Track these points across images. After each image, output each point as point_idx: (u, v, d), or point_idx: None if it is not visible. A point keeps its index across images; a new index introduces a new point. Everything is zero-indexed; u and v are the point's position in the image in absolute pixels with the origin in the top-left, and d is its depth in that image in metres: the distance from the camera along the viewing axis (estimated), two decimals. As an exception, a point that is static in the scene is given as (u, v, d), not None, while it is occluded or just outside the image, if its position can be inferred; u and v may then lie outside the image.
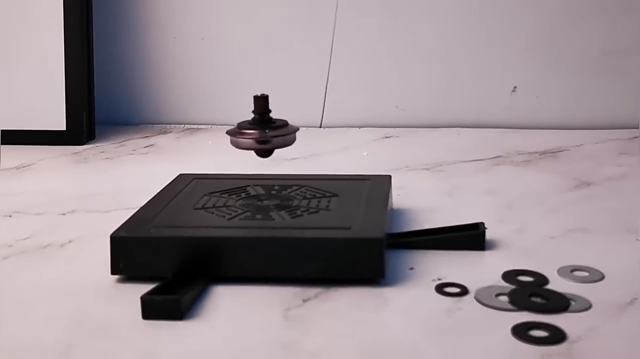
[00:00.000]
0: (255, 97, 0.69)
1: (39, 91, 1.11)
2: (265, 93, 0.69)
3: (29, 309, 0.60)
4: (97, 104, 1.14)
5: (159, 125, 1.23)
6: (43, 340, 0.55)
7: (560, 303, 0.59)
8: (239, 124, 0.70)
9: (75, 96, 1.11)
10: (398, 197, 0.83)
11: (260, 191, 0.75)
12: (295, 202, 0.71)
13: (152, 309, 0.57)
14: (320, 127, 1.22)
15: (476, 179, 0.92)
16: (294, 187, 0.76)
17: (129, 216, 0.69)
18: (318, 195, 0.74)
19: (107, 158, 1.05)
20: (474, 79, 1.19)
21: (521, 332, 0.55)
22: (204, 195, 0.74)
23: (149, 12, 1.22)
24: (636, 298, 0.60)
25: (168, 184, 0.79)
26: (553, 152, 1.04)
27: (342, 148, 1.09)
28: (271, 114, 0.69)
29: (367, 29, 1.20)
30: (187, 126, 1.22)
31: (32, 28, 1.11)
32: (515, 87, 1.18)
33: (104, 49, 1.19)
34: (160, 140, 1.15)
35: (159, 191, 0.76)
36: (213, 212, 0.69)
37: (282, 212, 0.69)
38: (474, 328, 0.56)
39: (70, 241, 0.73)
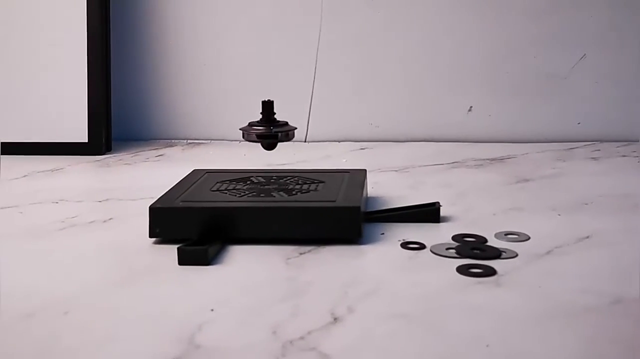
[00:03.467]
0: (263, 102, 0.88)
1: (65, 109, 1.30)
2: (271, 99, 0.88)
3: (86, 261, 0.78)
4: (112, 122, 1.33)
5: (166, 140, 1.41)
6: (102, 279, 0.73)
7: (494, 253, 0.78)
8: (250, 122, 0.89)
9: (96, 113, 1.29)
10: (372, 190, 1.02)
11: (262, 179, 0.94)
12: (291, 186, 0.90)
13: (185, 256, 0.76)
14: (305, 141, 1.41)
15: (436, 177, 1.12)
16: (289, 177, 0.95)
17: (154, 201, 0.86)
18: (308, 182, 0.92)
19: (125, 164, 1.23)
20: (437, 101, 1.39)
21: (463, 270, 0.74)
22: (217, 182, 0.93)
23: (158, 44, 1.41)
24: (551, 251, 0.79)
25: (185, 177, 0.97)
26: (502, 159, 1.24)
27: (325, 157, 1.28)
28: (275, 116, 0.88)
29: (345, 61, 1.40)
30: (189, 141, 1.41)
31: (59, 63, 1.30)
32: (471, 107, 1.39)
33: (119, 75, 1.38)
34: (168, 151, 1.34)
35: (178, 181, 0.95)
36: (226, 193, 0.88)
37: (281, 192, 0.88)
38: (428, 268, 0.75)
39: (110, 219, 0.92)
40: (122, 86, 1.40)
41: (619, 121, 1.36)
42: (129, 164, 1.24)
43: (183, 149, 1.36)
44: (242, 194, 0.88)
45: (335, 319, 0.62)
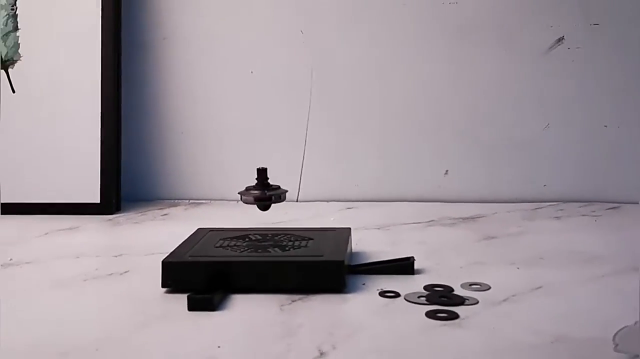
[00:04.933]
0: (258, 169, 1.02)
1: (79, 173, 1.43)
2: (265, 166, 1.02)
3: (108, 307, 0.91)
4: (121, 184, 1.47)
5: (169, 200, 1.55)
6: (123, 320, 0.86)
7: (458, 300, 0.91)
8: (247, 187, 1.02)
9: (108, 176, 1.43)
10: (356, 245, 1.15)
11: (259, 237, 1.07)
12: (284, 243, 1.04)
13: (195, 303, 0.88)
14: (297, 201, 1.55)
15: (413, 235, 1.25)
16: (282, 235, 1.08)
17: (165, 256, 0.98)
18: (299, 239, 1.06)
19: (135, 223, 1.36)
20: (416, 165, 1.53)
21: (430, 314, 0.87)
22: (220, 239, 1.06)
23: (163, 116, 1.55)
24: (507, 298, 0.92)
25: (191, 234, 1.10)
26: (473, 218, 1.37)
27: (314, 215, 1.42)
28: (268, 181, 1.02)
29: (332, 129, 1.55)
30: (191, 201, 1.55)
31: (75, 131, 1.44)
32: (447, 170, 1.53)
33: (127, 141, 1.52)
34: (172, 211, 1.47)
35: (185, 238, 1.08)
36: (228, 249, 1.01)
37: (276, 248, 1.01)
38: (401, 313, 0.87)
39: (126, 271, 1.04)
40: (130, 150, 1.54)
41: (582, 183, 1.50)
42: (138, 222, 1.37)
43: (186, 209, 1.49)
44: (242, 249, 1.01)
45: (321, 354, 0.75)
